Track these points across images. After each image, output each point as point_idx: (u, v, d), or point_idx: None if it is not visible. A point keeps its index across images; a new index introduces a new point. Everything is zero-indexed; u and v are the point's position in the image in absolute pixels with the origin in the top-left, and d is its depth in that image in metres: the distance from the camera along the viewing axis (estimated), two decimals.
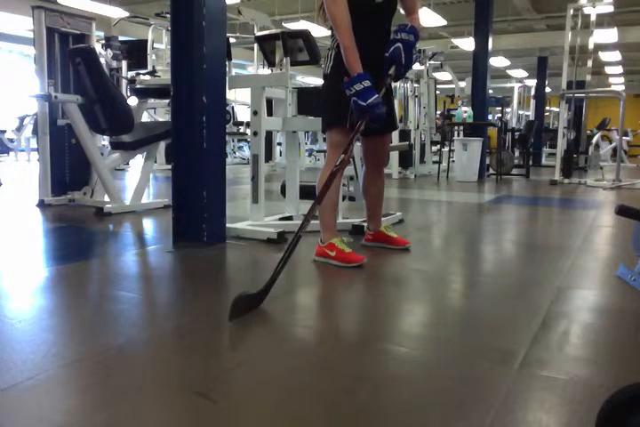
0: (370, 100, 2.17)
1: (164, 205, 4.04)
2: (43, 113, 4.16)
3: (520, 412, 1.17)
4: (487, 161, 7.92)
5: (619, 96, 6.62)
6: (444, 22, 10.02)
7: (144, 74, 4.73)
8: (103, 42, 6.75)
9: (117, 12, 9.10)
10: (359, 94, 2.18)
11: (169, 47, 3.28)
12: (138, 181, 4.10)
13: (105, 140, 5.46)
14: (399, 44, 2.30)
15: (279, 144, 10.00)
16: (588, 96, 8.68)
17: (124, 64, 6.48)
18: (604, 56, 12.84)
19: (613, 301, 2.02)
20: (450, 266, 2.63)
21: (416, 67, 8.37)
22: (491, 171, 7.89)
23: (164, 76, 4.61)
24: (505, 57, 13.76)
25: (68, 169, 4.37)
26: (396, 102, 7.13)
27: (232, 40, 7.13)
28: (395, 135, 7.04)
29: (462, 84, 9.53)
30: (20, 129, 10.97)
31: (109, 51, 6.53)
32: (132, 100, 4.65)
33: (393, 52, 2.30)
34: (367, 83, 2.19)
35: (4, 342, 1.49)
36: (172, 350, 1.50)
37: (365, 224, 2.88)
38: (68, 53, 4.06)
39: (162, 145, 6.82)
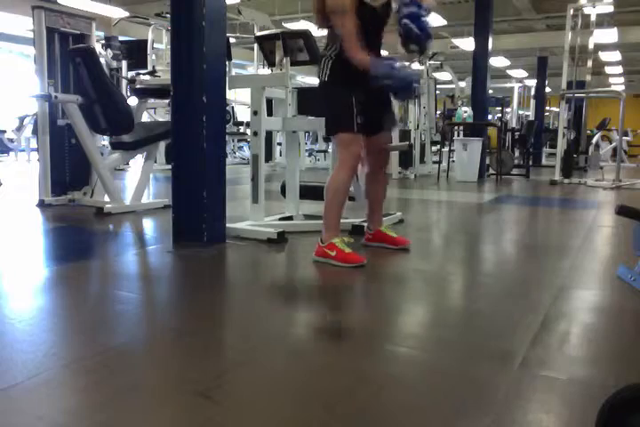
0: (394, 69, 2.32)
1: (163, 205, 4.04)
2: (43, 113, 4.16)
3: (520, 412, 1.17)
4: (487, 161, 7.92)
5: (619, 96, 6.61)
6: (444, 22, 10.02)
7: (144, 74, 4.73)
8: (103, 42, 6.74)
9: (117, 12, 9.10)
10: (386, 69, 2.33)
11: (169, 47, 3.28)
12: (138, 181, 4.10)
13: (105, 141, 5.46)
14: (405, 20, 2.38)
15: (279, 144, 9.99)
16: (588, 96, 8.67)
17: (124, 64, 6.47)
18: (604, 56, 12.84)
19: (613, 301, 2.02)
20: (450, 266, 2.63)
21: (416, 67, 8.38)
22: (491, 171, 7.89)
23: (164, 76, 4.60)
24: (505, 57, 13.76)
25: (67, 169, 4.36)
26: (395, 103, 7.13)
27: (232, 40, 7.14)
28: (395, 135, 7.04)
29: (462, 84, 9.54)
30: (20, 129, 10.97)
31: (109, 51, 6.52)
32: (132, 100, 4.65)
33: (407, 30, 2.38)
34: (382, 60, 2.36)
35: (5, 342, 1.50)
36: (172, 350, 1.50)
37: (365, 224, 2.88)
38: (68, 53, 4.06)
39: (162, 145, 6.82)
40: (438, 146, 9.11)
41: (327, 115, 2.57)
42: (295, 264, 2.65)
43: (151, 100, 5.38)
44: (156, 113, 8.66)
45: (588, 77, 7.14)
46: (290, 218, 3.33)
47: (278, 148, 10.09)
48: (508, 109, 12.46)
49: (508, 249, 3.05)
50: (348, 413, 1.15)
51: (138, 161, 6.69)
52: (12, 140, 11.34)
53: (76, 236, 3.23)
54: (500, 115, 10.84)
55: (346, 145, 2.46)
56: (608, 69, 15.89)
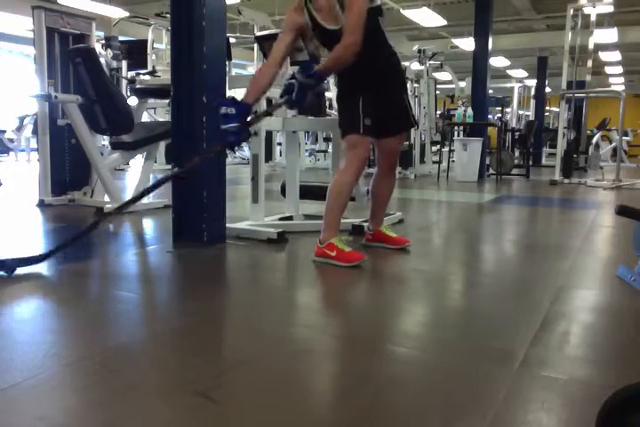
0: (225, 126, 2.28)
1: (163, 205, 4.04)
2: (43, 113, 4.16)
3: (520, 412, 1.17)
4: (487, 161, 7.92)
5: (619, 96, 6.61)
6: (444, 22, 10.02)
7: (144, 74, 4.73)
8: (103, 42, 6.74)
9: (117, 12, 9.10)
10: (222, 117, 2.30)
11: (169, 47, 3.28)
12: (138, 181, 4.10)
13: (105, 141, 5.46)
14: (294, 82, 2.30)
15: (279, 144, 9.99)
16: (588, 96, 8.68)
17: (124, 64, 6.48)
18: (604, 56, 12.84)
19: (613, 301, 2.02)
20: (450, 266, 2.63)
21: (416, 67, 8.38)
22: (491, 171, 7.89)
23: (164, 76, 4.60)
24: (505, 57, 13.76)
25: (67, 169, 4.36)
26: None
27: (232, 40, 7.13)
28: None
29: (462, 84, 9.53)
30: (20, 129, 10.96)
31: (109, 51, 6.53)
32: (132, 100, 4.65)
33: (287, 87, 2.33)
34: (232, 110, 2.28)
35: (5, 342, 1.49)
36: (172, 350, 1.50)
37: (366, 224, 2.88)
38: (68, 53, 4.06)
39: (162, 145, 6.82)
40: (438, 146, 9.12)
41: (339, 117, 2.60)
42: (295, 264, 2.65)
43: (151, 100, 5.38)
44: (155, 113, 8.66)
45: (588, 77, 7.13)
46: (290, 218, 3.33)
47: (278, 148, 10.09)
48: (508, 109, 12.47)
49: (507, 249, 3.05)
50: (348, 413, 1.15)
51: (138, 161, 6.69)
52: (12, 140, 11.33)
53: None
54: (500, 115, 10.84)
55: (352, 147, 2.46)
56: (608, 69, 15.88)
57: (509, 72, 16.12)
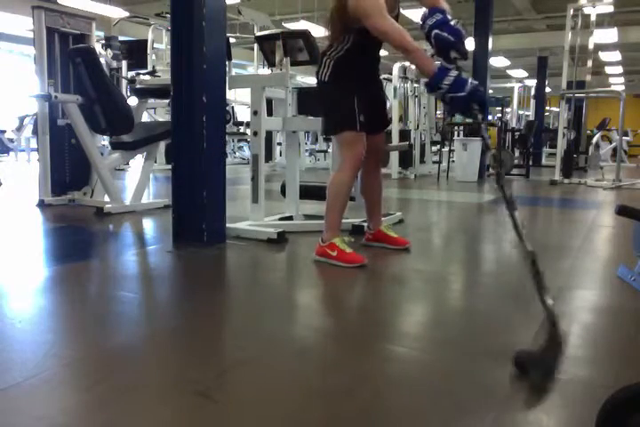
0: (467, 88, 1.99)
1: (164, 205, 4.04)
2: (43, 113, 4.16)
3: (520, 412, 1.17)
4: (487, 161, 7.91)
5: (619, 96, 6.61)
6: None
7: (144, 74, 4.73)
8: (103, 42, 6.74)
9: (117, 12, 9.10)
10: (453, 86, 2.00)
11: (169, 47, 3.28)
12: (138, 181, 4.10)
13: (105, 141, 5.46)
14: (436, 31, 2.10)
15: (279, 144, 9.99)
16: (588, 96, 8.67)
17: (124, 64, 6.47)
18: (604, 56, 12.84)
19: (613, 301, 2.02)
20: (450, 266, 2.63)
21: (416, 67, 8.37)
22: (491, 171, 7.89)
23: (164, 76, 4.60)
24: (505, 57, 13.76)
25: (67, 169, 4.36)
26: (395, 102, 7.13)
27: (232, 40, 7.14)
28: (395, 135, 7.03)
29: None
30: (20, 129, 10.95)
31: (109, 51, 6.52)
32: (132, 100, 4.64)
33: (441, 40, 2.11)
34: (454, 72, 2.05)
35: (4, 342, 1.49)
36: (172, 350, 1.50)
37: (365, 224, 2.88)
38: (68, 53, 4.06)
39: (162, 145, 6.82)
40: (438, 146, 9.11)
41: (327, 114, 2.58)
42: (295, 264, 2.65)
43: (151, 100, 5.38)
44: (155, 113, 8.65)
45: (588, 77, 7.13)
46: (290, 218, 3.33)
47: (278, 148, 10.08)
48: (508, 109, 12.46)
49: (507, 249, 3.05)
50: (348, 413, 1.15)
51: (138, 161, 6.69)
52: (12, 140, 11.32)
53: (76, 236, 3.23)
54: (500, 115, 10.83)
55: (349, 144, 2.47)
56: (608, 69, 15.89)
57: (509, 72, 16.12)
